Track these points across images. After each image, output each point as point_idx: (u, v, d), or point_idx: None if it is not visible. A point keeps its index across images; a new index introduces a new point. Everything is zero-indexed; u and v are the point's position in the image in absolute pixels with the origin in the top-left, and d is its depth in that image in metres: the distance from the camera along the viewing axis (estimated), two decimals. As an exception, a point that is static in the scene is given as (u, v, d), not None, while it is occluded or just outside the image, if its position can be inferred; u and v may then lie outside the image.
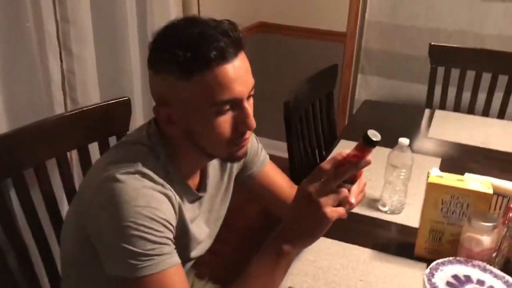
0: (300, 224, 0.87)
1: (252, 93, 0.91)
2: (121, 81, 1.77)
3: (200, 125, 0.88)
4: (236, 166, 1.14)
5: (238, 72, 0.85)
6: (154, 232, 0.83)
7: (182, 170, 0.96)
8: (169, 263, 0.84)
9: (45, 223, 1.20)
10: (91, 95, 1.60)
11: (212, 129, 0.87)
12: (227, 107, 0.86)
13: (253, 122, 0.89)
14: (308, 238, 0.89)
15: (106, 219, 0.84)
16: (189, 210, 0.99)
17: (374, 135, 0.84)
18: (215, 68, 0.82)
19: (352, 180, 0.89)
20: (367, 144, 0.84)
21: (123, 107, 1.34)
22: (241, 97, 0.87)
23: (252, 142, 1.18)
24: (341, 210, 0.87)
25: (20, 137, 1.12)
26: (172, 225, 0.88)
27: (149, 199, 0.84)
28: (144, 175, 0.87)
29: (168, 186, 0.90)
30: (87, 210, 0.88)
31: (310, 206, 0.85)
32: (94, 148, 1.31)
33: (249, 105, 0.90)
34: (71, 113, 1.26)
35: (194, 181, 1.02)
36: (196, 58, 0.81)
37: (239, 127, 0.89)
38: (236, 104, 0.87)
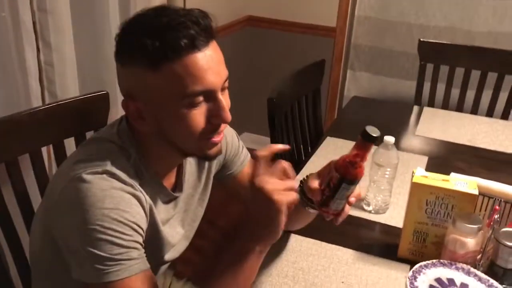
0: (255, 218, 0.83)
1: (226, 85, 0.86)
2: (101, 74, 1.72)
3: (171, 119, 0.83)
4: (215, 165, 1.10)
5: (210, 62, 0.80)
6: (122, 236, 0.79)
7: (156, 169, 0.92)
8: (137, 268, 0.80)
9: (17, 221, 1.15)
10: (70, 89, 1.56)
11: (184, 123, 0.83)
12: (200, 99, 0.82)
13: (228, 115, 0.85)
14: (265, 230, 0.83)
15: (71, 222, 0.79)
16: (162, 211, 0.95)
17: (373, 131, 0.81)
18: (185, 57, 0.78)
19: (352, 181, 0.86)
20: (366, 140, 0.81)
21: (101, 101, 1.30)
22: (214, 88, 0.82)
23: (233, 141, 1.13)
24: (291, 195, 0.81)
25: (-7, 130, 1.07)
26: (141, 228, 0.83)
27: (118, 200, 0.80)
28: (112, 175, 0.82)
29: (138, 187, 0.86)
30: (53, 211, 0.84)
31: (260, 197, 0.80)
32: (70, 144, 1.27)
33: (224, 98, 0.85)
34: (46, 106, 1.21)
35: (169, 181, 0.98)
36: (165, 46, 0.77)
37: (213, 120, 0.85)
38: (210, 96, 0.83)
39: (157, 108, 0.83)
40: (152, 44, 0.77)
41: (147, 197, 0.88)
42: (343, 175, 0.85)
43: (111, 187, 0.81)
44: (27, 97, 1.47)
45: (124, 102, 0.86)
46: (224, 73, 0.85)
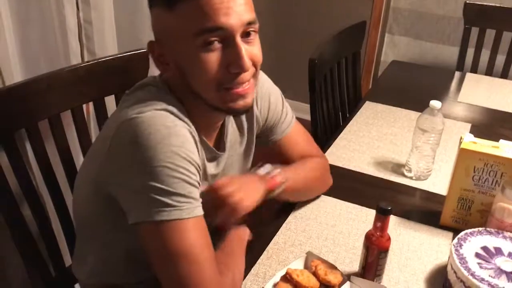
0: None
1: (251, 29, 0.81)
2: (139, 32, 1.70)
3: (187, 62, 0.81)
4: (255, 126, 1.07)
5: (227, 2, 0.77)
6: (191, 175, 0.77)
7: (198, 127, 0.89)
8: (201, 210, 0.79)
9: (60, 175, 1.17)
10: (108, 46, 1.55)
11: (198, 65, 0.79)
12: (215, 40, 0.78)
13: (245, 63, 0.80)
14: None
15: (135, 160, 0.76)
16: (209, 166, 0.95)
17: (386, 205, 0.89)
18: None
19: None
20: (381, 214, 0.90)
21: (141, 60, 1.28)
22: (229, 27, 0.78)
23: (276, 108, 1.08)
24: None
25: (35, 87, 1.08)
26: (200, 170, 0.82)
27: (183, 139, 0.78)
28: (172, 113, 0.80)
29: (194, 128, 0.84)
30: (109, 159, 0.80)
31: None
32: (110, 101, 1.27)
33: (250, 46, 0.81)
34: (87, 64, 1.21)
35: (211, 140, 0.97)
36: None
37: (230, 68, 0.81)
38: (228, 41, 0.79)
39: (175, 50, 0.82)
40: None
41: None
42: (369, 246, 0.93)
43: (175, 125, 0.79)
44: (66, 55, 1.47)
45: (150, 44, 0.85)
46: (247, 16, 0.80)
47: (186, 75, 0.83)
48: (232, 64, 0.80)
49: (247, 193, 0.92)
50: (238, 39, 0.79)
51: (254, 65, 0.84)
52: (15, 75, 1.32)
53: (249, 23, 0.80)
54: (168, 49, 0.83)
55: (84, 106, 1.24)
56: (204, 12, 0.77)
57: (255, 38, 0.83)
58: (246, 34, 0.81)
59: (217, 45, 0.79)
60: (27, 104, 1.07)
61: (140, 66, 1.29)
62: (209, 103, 0.86)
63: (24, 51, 1.34)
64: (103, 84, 1.23)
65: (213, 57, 0.79)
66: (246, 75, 0.83)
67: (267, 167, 1.01)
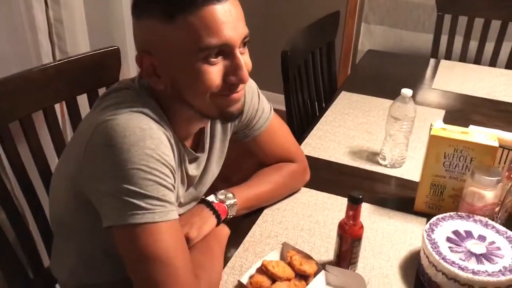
0: None
1: (246, 39, 0.83)
2: (111, 30, 1.70)
3: (186, 75, 0.80)
4: (231, 126, 1.07)
5: (228, 16, 0.77)
6: (166, 178, 0.77)
7: (177, 131, 0.88)
8: (176, 214, 0.79)
9: (35, 177, 1.16)
10: (80, 45, 1.54)
11: (198, 79, 0.79)
12: (217, 55, 0.79)
13: (245, 74, 0.81)
14: None
15: (110, 162, 0.75)
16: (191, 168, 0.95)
17: (357, 194, 0.90)
18: (201, 9, 0.75)
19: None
20: (353, 203, 0.91)
21: (112, 57, 1.27)
22: (231, 42, 0.79)
23: (252, 104, 1.07)
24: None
25: (3, 88, 1.06)
26: (175, 174, 0.82)
27: (157, 142, 0.78)
28: (148, 115, 0.80)
29: (170, 130, 0.84)
30: (84, 162, 0.79)
31: None
32: (83, 101, 1.26)
33: (243, 58, 0.82)
34: (56, 63, 1.19)
35: (189, 142, 0.96)
36: None
37: (229, 79, 0.82)
38: (227, 53, 0.80)
39: (171, 63, 0.80)
40: None
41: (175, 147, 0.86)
42: (342, 235, 0.94)
43: (150, 127, 0.78)
44: (37, 54, 1.46)
45: (138, 57, 0.82)
46: (243, 30, 0.81)
47: (180, 87, 0.82)
48: (232, 75, 0.81)
49: (191, 225, 0.94)
50: (238, 52, 0.81)
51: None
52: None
53: (245, 36, 0.82)
54: (161, 61, 0.81)
55: (58, 107, 1.23)
56: (206, 26, 0.76)
57: (246, 49, 0.85)
58: (241, 46, 0.82)
59: (216, 56, 0.79)
60: (-4, 105, 1.05)
61: (112, 64, 1.28)
62: (201, 111, 0.86)
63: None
64: (75, 82, 1.22)
65: (214, 71, 0.80)
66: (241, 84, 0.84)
67: (220, 193, 1.03)
